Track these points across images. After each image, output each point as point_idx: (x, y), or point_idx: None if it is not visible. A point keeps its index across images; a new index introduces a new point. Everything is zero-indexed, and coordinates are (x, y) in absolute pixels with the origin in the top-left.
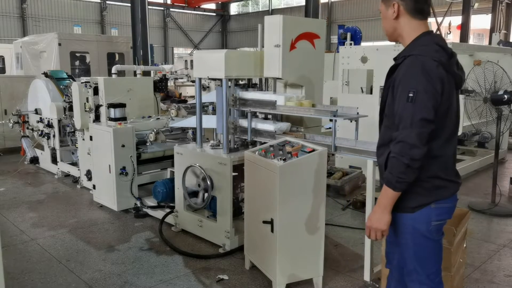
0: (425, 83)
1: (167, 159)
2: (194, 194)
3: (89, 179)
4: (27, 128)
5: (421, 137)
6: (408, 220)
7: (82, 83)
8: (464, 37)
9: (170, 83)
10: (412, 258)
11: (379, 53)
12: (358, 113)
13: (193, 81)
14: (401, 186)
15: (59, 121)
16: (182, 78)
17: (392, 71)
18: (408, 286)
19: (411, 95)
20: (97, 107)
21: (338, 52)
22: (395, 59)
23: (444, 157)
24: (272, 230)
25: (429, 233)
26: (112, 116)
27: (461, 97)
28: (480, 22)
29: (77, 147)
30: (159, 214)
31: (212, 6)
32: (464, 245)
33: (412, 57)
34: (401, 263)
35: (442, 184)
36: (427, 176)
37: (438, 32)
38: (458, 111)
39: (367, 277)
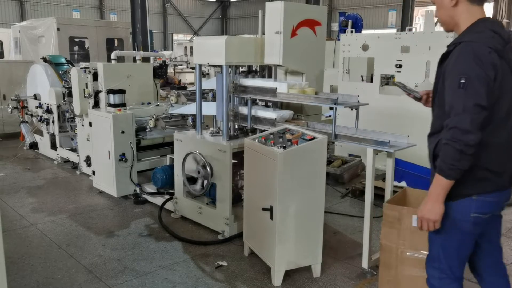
0: (477, 68)
1: (167, 145)
2: (193, 181)
3: (89, 165)
4: (26, 113)
5: (474, 123)
6: (445, 208)
7: (81, 68)
8: None
9: (170, 70)
10: (439, 245)
11: (380, 41)
12: (358, 101)
13: (193, 68)
14: (454, 174)
15: (58, 106)
16: (181, 65)
17: (443, 58)
18: (427, 272)
19: (462, 81)
20: (97, 93)
21: (339, 39)
22: (448, 46)
23: (492, 147)
24: (271, 217)
25: (465, 223)
26: (112, 102)
27: None
28: None
29: (76, 133)
30: (158, 200)
31: None
32: None
33: (463, 43)
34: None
35: (486, 176)
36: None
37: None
38: None
39: (365, 264)
